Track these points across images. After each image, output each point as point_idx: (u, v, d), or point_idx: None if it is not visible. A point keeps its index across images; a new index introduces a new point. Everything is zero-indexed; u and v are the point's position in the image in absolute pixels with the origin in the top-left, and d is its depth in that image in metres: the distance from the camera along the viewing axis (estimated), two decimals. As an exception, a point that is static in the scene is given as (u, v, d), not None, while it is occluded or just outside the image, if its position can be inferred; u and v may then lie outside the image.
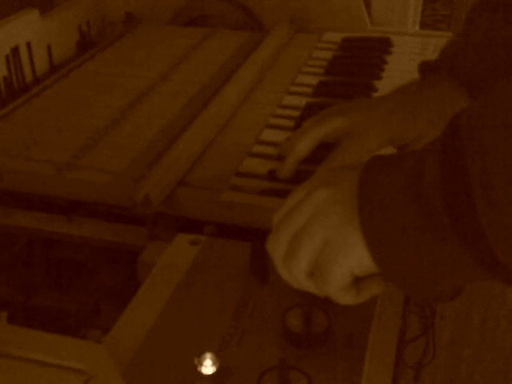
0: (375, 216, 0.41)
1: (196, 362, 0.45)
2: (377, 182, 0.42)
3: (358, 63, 0.98)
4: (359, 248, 0.42)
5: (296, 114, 0.85)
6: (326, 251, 0.43)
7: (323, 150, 0.69)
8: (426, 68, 0.71)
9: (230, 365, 0.46)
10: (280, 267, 0.46)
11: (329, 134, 0.68)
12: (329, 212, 0.44)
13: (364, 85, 0.91)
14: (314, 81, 0.94)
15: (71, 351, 0.44)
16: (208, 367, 0.44)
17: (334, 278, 0.43)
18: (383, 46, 1.03)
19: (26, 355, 0.44)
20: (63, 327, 0.57)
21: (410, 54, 1.03)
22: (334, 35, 1.10)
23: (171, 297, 0.51)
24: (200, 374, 0.44)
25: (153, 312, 0.50)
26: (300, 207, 0.46)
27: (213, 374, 0.45)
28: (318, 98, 0.89)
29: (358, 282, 0.44)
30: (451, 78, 0.66)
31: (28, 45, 1.01)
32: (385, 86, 0.91)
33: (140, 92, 0.91)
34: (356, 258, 0.42)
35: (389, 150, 0.67)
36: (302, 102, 0.88)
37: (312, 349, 0.47)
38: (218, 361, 0.45)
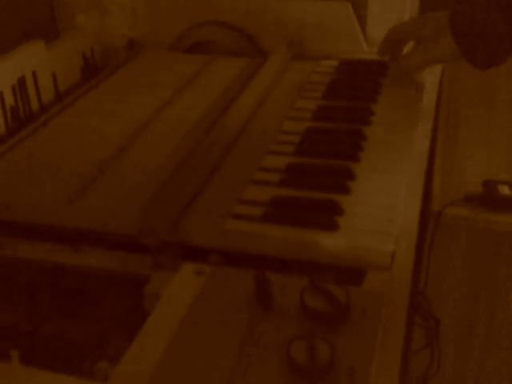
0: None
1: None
2: None
3: (355, 87, 1.01)
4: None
5: (296, 139, 0.87)
6: None
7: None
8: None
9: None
10: None
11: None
12: None
13: (361, 109, 0.93)
14: (312, 105, 0.96)
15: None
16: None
17: None
18: (379, 69, 1.05)
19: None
20: (70, 358, 0.59)
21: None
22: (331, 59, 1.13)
23: (177, 330, 0.53)
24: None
25: (159, 346, 0.52)
26: None
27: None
28: (317, 122, 0.92)
29: None
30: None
31: (34, 74, 1.03)
32: (382, 109, 0.94)
33: (144, 120, 0.94)
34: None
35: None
36: (302, 127, 0.90)
37: (316, 379, 0.49)
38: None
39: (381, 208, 0.72)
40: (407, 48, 1.01)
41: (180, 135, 0.90)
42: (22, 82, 1.01)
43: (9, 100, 0.98)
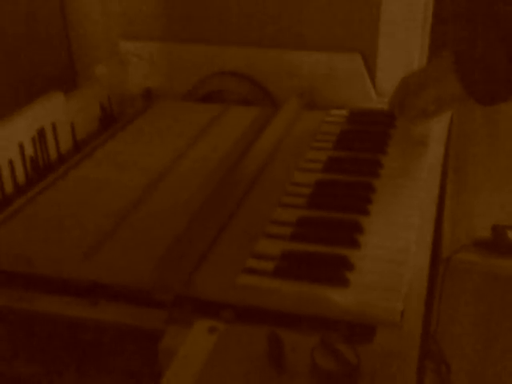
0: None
1: None
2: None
3: (364, 138, 1.03)
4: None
5: (307, 191, 0.89)
6: None
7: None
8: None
9: None
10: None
11: None
12: None
13: (371, 161, 0.95)
14: (323, 156, 0.98)
15: None
16: None
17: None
18: (388, 119, 1.08)
19: None
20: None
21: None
22: (341, 109, 1.15)
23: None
24: None
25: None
26: None
27: None
28: (328, 174, 0.94)
29: None
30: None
31: (53, 125, 1.07)
32: (391, 161, 0.96)
33: (158, 171, 0.97)
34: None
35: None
36: (313, 178, 0.92)
37: None
38: None
39: (390, 263, 0.74)
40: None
41: (194, 187, 0.92)
42: (41, 133, 1.04)
43: (28, 151, 1.01)
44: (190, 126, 1.12)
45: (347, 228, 0.80)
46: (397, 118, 1.06)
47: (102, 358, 0.72)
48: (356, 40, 1.21)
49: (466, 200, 1.11)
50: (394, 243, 0.77)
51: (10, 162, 0.97)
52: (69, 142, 1.11)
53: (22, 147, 0.99)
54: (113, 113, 1.23)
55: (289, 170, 0.96)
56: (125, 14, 1.30)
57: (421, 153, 0.99)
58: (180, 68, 1.28)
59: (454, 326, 1.25)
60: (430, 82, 0.93)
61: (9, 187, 0.96)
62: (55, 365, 0.72)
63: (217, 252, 0.78)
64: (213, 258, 0.77)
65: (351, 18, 1.20)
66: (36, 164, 1.02)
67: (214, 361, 0.59)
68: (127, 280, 0.74)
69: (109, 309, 0.73)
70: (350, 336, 0.67)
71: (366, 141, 1.02)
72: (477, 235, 1.12)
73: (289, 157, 1.01)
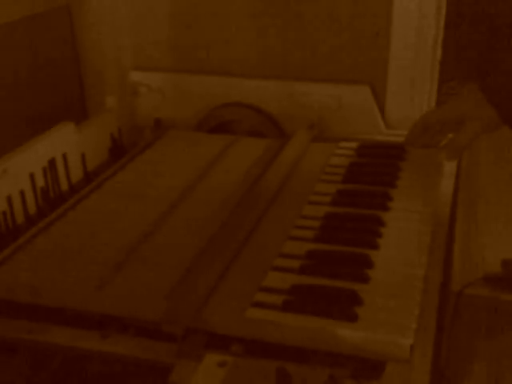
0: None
1: None
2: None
3: (374, 171, 1.04)
4: None
5: (316, 224, 0.90)
6: None
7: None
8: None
9: None
10: None
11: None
12: None
13: (380, 194, 0.96)
14: (332, 189, 0.99)
15: None
16: None
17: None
18: (398, 152, 1.08)
19: None
20: None
21: (423, 158, 1.08)
22: (350, 141, 1.16)
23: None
24: None
25: None
26: None
27: None
28: (337, 207, 0.94)
29: None
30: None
31: (64, 156, 1.08)
32: (400, 194, 0.96)
33: (169, 203, 0.97)
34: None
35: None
36: (322, 211, 0.93)
37: None
38: None
39: (399, 298, 0.74)
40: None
41: (204, 219, 0.93)
42: (52, 163, 1.05)
43: (39, 181, 1.02)
44: (199, 157, 1.13)
45: (356, 262, 0.80)
46: (409, 151, 1.06)
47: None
48: (365, 72, 1.22)
49: (477, 233, 1.11)
50: (403, 278, 0.77)
51: (22, 193, 0.97)
52: (79, 173, 1.12)
53: (32, 178, 1.00)
54: (123, 144, 1.24)
55: (298, 203, 0.96)
56: (135, 46, 1.32)
57: (432, 185, 0.99)
58: (190, 99, 1.30)
59: (465, 362, 1.25)
60: (467, 117, 0.93)
61: (20, 218, 0.97)
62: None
63: (226, 285, 0.78)
64: (222, 291, 0.77)
65: (360, 50, 1.21)
66: (47, 195, 1.03)
67: (224, 396, 0.59)
68: (137, 312, 0.74)
69: (119, 341, 0.73)
70: (358, 371, 0.67)
71: (375, 174, 1.03)
72: (487, 269, 1.11)
73: (298, 189, 1.01)
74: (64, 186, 1.08)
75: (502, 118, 0.90)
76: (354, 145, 1.14)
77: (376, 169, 1.05)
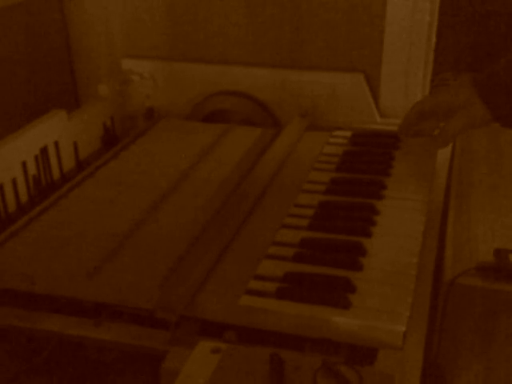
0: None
1: None
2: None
3: (367, 160, 1.03)
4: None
5: (310, 212, 0.89)
6: None
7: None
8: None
9: None
10: None
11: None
12: None
13: (374, 183, 0.96)
14: (326, 178, 0.99)
15: None
16: None
17: None
18: (392, 141, 1.08)
19: None
20: None
21: (417, 147, 1.08)
22: (344, 130, 1.16)
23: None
24: None
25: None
26: None
27: None
28: (331, 195, 0.94)
29: None
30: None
31: (56, 144, 1.07)
32: (394, 182, 0.96)
33: (161, 192, 0.97)
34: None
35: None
36: (315, 200, 0.92)
37: None
38: None
39: (392, 286, 0.74)
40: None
41: (197, 207, 0.93)
42: (44, 151, 1.04)
43: (31, 169, 1.02)
44: (192, 145, 1.12)
45: (350, 250, 0.80)
46: (403, 140, 1.06)
47: (105, 379, 0.72)
48: (359, 60, 1.21)
49: (469, 222, 1.11)
50: (397, 266, 0.77)
51: (13, 181, 0.97)
52: (71, 161, 1.11)
53: (24, 166, 1.00)
54: (115, 132, 1.24)
55: (292, 191, 0.96)
56: (127, 33, 1.31)
57: (425, 174, 0.99)
58: (182, 87, 1.29)
59: (456, 351, 1.25)
60: (457, 108, 0.92)
61: (12, 206, 0.96)
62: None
63: (220, 273, 0.78)
64: (216, 278, 0.77)
65: (354, 38, 1.20)
66: (39, 183, 1.03)
67: (217, 381, 0.59)
68: (130, 300, 0.74)
69: (112, 329, 0.72)
70: (351, 358, 0.67)
71: (369, 162, 1.03)
72: (479, 259, 1.11)
73: (292, 178, 1.01)
74: (56, 174, 1.07)
75: (493, 115, 0.89)
76: (347, 133, 1.14)
77: (370, 157, 1.04)
